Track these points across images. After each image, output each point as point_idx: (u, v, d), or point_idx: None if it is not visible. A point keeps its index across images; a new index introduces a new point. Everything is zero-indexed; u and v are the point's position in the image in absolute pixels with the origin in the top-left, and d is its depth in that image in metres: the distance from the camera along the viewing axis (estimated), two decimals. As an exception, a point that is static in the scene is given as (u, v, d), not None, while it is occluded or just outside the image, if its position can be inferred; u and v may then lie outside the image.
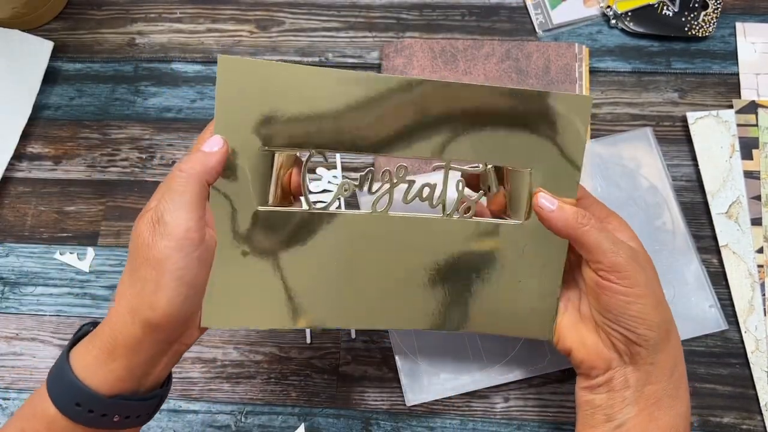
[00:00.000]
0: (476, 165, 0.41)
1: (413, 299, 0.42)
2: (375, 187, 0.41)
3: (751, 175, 0.54)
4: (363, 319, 0.42)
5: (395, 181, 0.40)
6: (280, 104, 0.38)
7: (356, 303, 0.42)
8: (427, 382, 0.51)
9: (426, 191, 0.41)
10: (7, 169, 0.58)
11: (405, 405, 0.51)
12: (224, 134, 0.38)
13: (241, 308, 0.40)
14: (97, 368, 0.35)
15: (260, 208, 0.39)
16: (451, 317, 0.42)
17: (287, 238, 0.40)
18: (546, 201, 0.40)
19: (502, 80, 0.57)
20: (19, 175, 0.59)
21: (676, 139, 0.56)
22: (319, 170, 0.57)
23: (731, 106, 0.56)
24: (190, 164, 0.36)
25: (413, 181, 0.41)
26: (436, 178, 0.41)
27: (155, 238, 0.34)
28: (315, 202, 0.41)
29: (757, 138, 0.55)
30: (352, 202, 0.55)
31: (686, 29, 0.58)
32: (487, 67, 0.58)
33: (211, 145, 0.37)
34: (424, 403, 0.51)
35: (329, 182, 0.56)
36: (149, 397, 0.37)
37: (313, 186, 0.56)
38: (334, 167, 0.57)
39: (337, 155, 0.57)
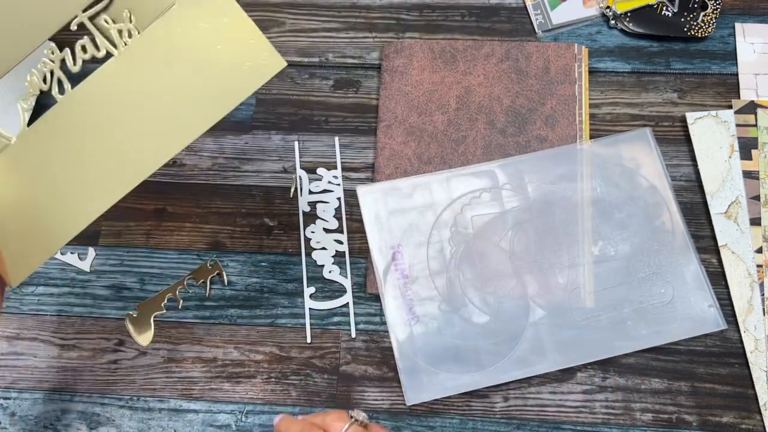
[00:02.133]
0: None
1: None
2: None
3: (750, 175, 0.54)
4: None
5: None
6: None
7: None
8: (427, 382, 0.51)
9: None
10: (8, 170, 0.58)
11: (405, 405, 0.51)
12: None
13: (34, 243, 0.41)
14: None
15: None
16: None
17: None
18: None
19: (501, 80, 0.58)
20: (20, 175, 0.59)
21: (676, 140, 0.57)
22: (320, 170, 0.57)
23: (730, 107, 0.56)
24: None
25: None
26: None
27: None
28: None
29: (756, 138, 0.55)
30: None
31: (685, 29, 0.59)
32: (486, 68, 0.58)
33: None
34: (424, 402, 0.51)
35: (329, 182, 0.56)
36: None
37: (313, 186, 0.56)
38: (335, 167, 0.57)
39: (337, 154, 0.57)
